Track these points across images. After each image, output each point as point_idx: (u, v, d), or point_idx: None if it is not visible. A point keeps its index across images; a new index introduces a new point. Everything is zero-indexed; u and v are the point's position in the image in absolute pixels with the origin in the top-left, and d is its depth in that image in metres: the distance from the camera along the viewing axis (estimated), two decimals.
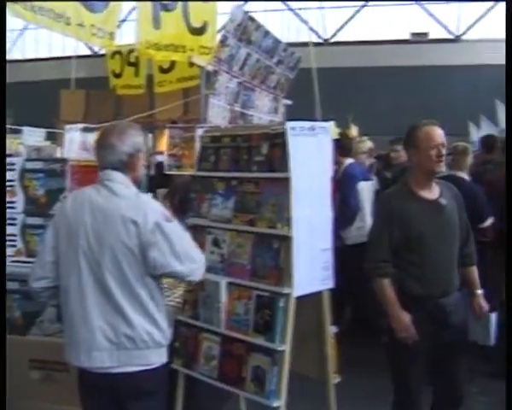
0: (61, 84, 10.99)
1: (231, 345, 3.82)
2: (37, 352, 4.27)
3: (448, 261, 3.93)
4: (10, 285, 4.14)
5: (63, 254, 3.16)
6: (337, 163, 6.75)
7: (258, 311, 3.70)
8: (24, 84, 20.12)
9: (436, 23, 21.74)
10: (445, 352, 3.94)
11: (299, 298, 3.63)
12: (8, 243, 4.31)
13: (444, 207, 3.92)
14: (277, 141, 3.68)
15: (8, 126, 5.79)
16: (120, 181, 3.15)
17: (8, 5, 4.66)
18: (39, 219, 4.49)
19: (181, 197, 6.06)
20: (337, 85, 17.79)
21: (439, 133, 3.88)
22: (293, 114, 7.52)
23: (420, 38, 21.17)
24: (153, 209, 3.11)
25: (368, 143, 8.09)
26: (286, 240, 3.61)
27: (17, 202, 4.57)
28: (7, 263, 3.95)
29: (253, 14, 7.69)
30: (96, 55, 18.95)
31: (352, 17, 22.59)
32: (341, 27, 22.66)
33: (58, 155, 5.78)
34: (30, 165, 4.59)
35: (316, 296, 3.84)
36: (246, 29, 7.12)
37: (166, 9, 7.09)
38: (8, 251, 4.37)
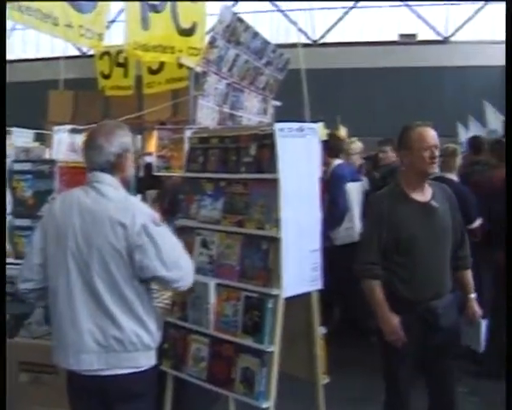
0: (49, 85, 10.95)
1: (220, 346, 3.82)
2: (25, 354, 4.25)
3: (440, 264, 3.90)
4: None
5: (51, 255, 3.14)
6: (325, 164, 6.76)
7: (246, 312, 3.70)
8: (12, 85, 20.01)
9: (424, 24, 21.80)
10: (436, 355, 3.91)
11: (288, 299, 3.63)
12: None
13: (435, 210, 3.88)
14: (266, 142, 3.69)
15: None
16: (109, 183, 3.13)
17: None
18: (27, 221, 4.47)
19: (171, 199, 6.05)
20: (326, 87, 17.81)
21: (432, 134, 3.85)
22: (282, 115, 7.54)
23: (408, 40, 21.21)
24: (141, 211, 3.10)
25: (358, 144, 8.12)
26: (274, 241, 3.61)
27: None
28: None
29: (241, 16, 7.68)
30: (84, 56, 18.87)
31: (340, 18, 22.60)
32: (330, 29, 22.66)
33: (47, 156, 5.75)
34: (18, 166, 4.58)
35: (305, 297, 3.84)
36: (234, 30, 7.12)
37: (155, 10, 7.07)
38: None
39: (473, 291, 4.09)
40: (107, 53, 9.59)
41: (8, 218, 4.53)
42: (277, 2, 22.66)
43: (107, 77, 9.78)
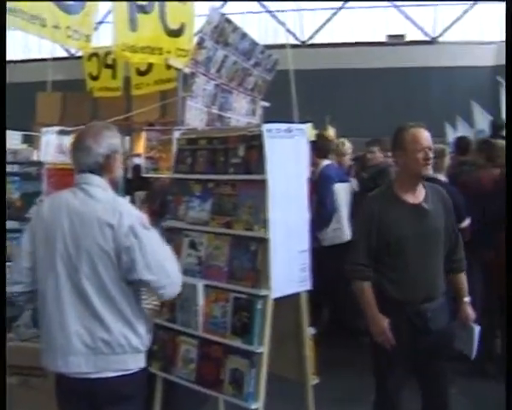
0: (37, 87, 10.91)
1: (209, 348, 3.82)
2: (13, 357, 4.22)
3: (431, 266, 3.87)
4: None
5: (40, 258, 3.13)
6: (314, 164, 6.76)
7: (235, 313, 3.70)
8: None
9: (413, 25, 21.89)
10: (427, 357, 3.87)
11: (277, 300, 3.63)
12: None
13: (427, 212, 3.84)
14: (254, 143, 3.69)
15: None
16: (97, 184, 3.12)
17: None
18: (15, 223, 4.44)
19: (161, 201, 6.04)
20: (314, 87, 17.84)
21: (425, 136, 3.82)
22: (270, 116, 7.54)
23: (397, 40, 21.29)
24: (129, 213, 3.08)
25: (349, 145, 8.13)
26: (263, 242, 3.61)
27: None
28: None
29: (230, 17, 7.67)
30: (72, 58, 18.82)
31: (329, 19, 22.66)
32: (319, 29, 22.72)
33: (35, 158, 5.73)
34: None
35: (293, 298, 3.85)
36: (223, 31, 7.11)
37: (143, 11, 7.04)
38: None
39: (467, 295, 4.05)
40: (95, 54, 9.56)
41: None
42: (266, 3, 22.68)
43: (95, 78, 9.75)
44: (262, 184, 3.60)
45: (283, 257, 3.67)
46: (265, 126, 3.64)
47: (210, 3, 8.92)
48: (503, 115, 11.30)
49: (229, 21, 7.28)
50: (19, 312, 4.23)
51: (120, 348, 3.06)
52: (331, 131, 11.96)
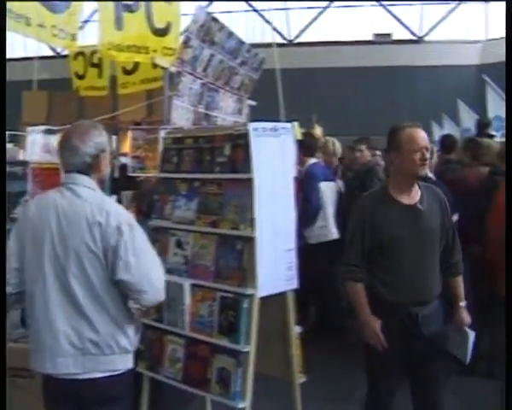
0: (23, 86, 10.84)
1: (196, 347, 3.82)
2: None
3: (425, 268, 3.79)
4: None
5: (28, 259, 3.11)
6: (300, 163, 6.77)
7: (222, 312, 3.70)
8: None
9: (399, 24, 21.96)
10: (420, 360, 3.81)
11: (264, 299, 3.64)
12: None
13: (421, 213, 3.76)
14: (240, 142, 3.69)
15: None
16: (85, 184, 3.11)
17: None
18: None
19: (149, 201, 6.03)
20: (301, 86, 17.88)
21: (422, 136, 3.74)
22: (257, 115, 7.54)
23: (383, 39, 21.36)
24: (116, 212, 3.07)
25: (337, 144, 8.12)
26: (249, 241, 3.62)
27: None
28: None
29: (216, 15, 7.66)
30: (58, 57, 18.74)
31: (315, 18, 22.68)
32: (305, 28, 22.75)
33: (20, 157, 5.70)
34: None
35: (280, 297, 3.85)
36: (209, 30, 7.10)
37: (129, 10, 7.01)
38: None
39: (463, 299, 3.96)
40: (81, 53, 9.50)
41: None
42: (252, 2, 22.68)
43: (81, 77, 9.69)
44: (248, 183, 3.60)
45: (270, 256, 3.67)
46: (251, 125, 3.64)
47: (196, 2, 8.88)
48: (489, 114, 11.40)
49: (215, 20, 7.27)
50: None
51: (109, 348, 3.05)
52: (318, 130, 11.97)
